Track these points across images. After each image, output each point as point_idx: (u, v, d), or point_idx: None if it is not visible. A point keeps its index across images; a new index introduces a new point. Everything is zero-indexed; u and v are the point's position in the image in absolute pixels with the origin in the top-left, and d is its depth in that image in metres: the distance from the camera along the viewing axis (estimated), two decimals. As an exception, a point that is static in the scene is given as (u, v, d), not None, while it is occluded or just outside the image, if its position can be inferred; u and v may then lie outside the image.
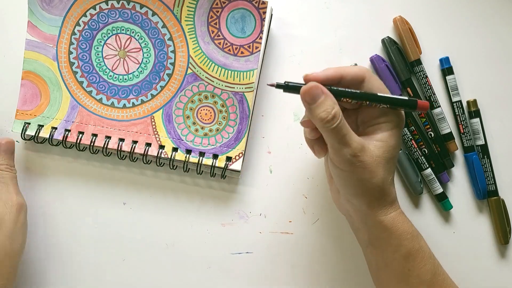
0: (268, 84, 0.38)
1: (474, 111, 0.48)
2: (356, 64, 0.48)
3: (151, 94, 0.46)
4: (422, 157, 0.48)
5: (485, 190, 0.48)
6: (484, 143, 0.48)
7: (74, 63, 0.46)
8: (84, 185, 0.49)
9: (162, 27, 0.46)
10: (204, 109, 0.46)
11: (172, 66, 0.46)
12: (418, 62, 0.48)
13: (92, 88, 0.46)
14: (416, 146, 0.48)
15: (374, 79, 0.39)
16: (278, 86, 0.38)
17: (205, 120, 0.46)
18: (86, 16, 0.46)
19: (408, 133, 0.48)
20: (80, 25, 0.46)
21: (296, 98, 0.48)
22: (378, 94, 0.38)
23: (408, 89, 0.48)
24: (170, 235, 0.49)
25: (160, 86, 0.46)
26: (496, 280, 0.49)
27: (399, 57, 0.48)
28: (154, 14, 0.45)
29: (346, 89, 0.38)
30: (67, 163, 0.49)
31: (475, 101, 0.49)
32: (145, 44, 0.46)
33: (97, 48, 0.46)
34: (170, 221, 0.49)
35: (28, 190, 0.48)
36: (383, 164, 0.38)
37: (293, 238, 0.49)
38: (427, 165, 0.48)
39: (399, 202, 0.49)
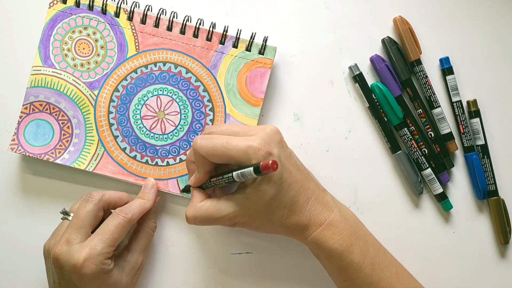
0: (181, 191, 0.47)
1: (474, 111, 0.48)
2: (356, 64, 0.48)
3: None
4: (422, 157, 0.48)
5: (485, 190, 0.48)
6: (484, 143, 0.48)
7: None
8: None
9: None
10: None
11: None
12: (418, 62, 0.48)
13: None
14: (416, 146, 0.48)
15: (210, 154, 0.40)
16: (183, 191, 0.47)
17: None
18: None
19: (408, 133, 0.48)
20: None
21: (296, 98, 0.48)
22: (235, 180, 0.39)
23: (408, 89, 0.48)
24: (170, 235, 0.49)
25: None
26: (496, 280, 0.49)
27: (399, 57, 0.48)
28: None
29: (210, 183, 0.42)
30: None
31: (475, 101, 0.49)
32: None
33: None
34: (170, 222, 0.49)
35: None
36: (262, 214, 0.40)
37: (293, 239, 0.49)
38: (427, 165, 0.48)
39: (400, 202, 0.49)
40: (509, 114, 0.49)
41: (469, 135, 0.49)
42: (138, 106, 0.47)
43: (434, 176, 0.48)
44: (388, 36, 0.48)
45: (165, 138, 0.47)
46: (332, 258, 0.41)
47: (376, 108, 0.48)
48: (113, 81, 0.47)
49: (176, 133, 0.47)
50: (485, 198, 0.49)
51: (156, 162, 0.47)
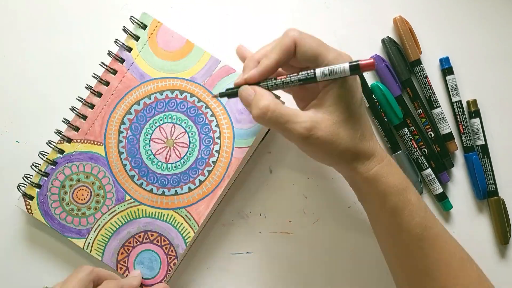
0: (212, 97, 0.43)
1: (474, 111, 0.48)
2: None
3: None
4: (422, 157, 0.48)
5: (485, 190, 0.48)
6: (484, 143, 0.48)
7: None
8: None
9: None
10: None
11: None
12: (418, 62, 0.48)
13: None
14: (416, 146, 0.48)
15: (305, 42, 0.37)
16: (222, 95, 0.41)
17: None
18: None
19: (408, 133, 0.48)
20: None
21: (296, 98, 0.48)
22: (318, 78, 0.36)
23: (408, 89, 0.48)
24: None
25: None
26: (496, 280, 0.49)
27: (399, 57, 0.48)
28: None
29: (287, 82, 0.38)
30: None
31: (475, 101, 0.49)
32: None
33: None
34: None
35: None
36: (343, 127, 0.37)
37: (293, 238, 0.49)
38: (427, 165, 0.48)
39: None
40: (509, 114, 0.49)
41: (469, 135, 0.49)
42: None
43: (434, 176, 0.48)
44: (388, 36, 0.48)
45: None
46: (391, 195, 0.38)
47: (376, 108, 0.48)
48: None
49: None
50: (485, 198, 0.49)
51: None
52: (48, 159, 0.46)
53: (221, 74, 0.46)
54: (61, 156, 0.47)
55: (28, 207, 0.46)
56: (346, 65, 0.35)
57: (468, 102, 0.49)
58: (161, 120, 0.46)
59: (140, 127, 0.46)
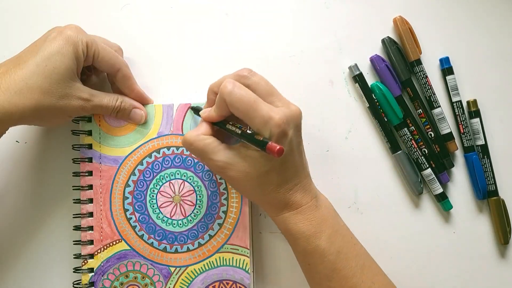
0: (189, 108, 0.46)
1: (474, 111, 0.48)
2: (356, 64, 0.48)
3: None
4: (422, 157, 0.48)
5: (485, 190, 0.48)
6: (484, 143, 0.48)
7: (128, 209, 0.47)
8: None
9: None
10: None
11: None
12: (418, 62, 0.48)
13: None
14: (416, 146, 0.48)
15: (232, 104, 0.39)
16: (193, 110, 0.45)
17: None
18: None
19: (408, 133, 0.48)
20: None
21: (296, 99, 0.48)
22: (238, 131, 0.40)
23: (408, 89, 0.48)
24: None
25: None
26: (496, 280, 0.49)
27: (399, 57, 0.48)
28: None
29: (226, 126, 0.41)
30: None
31: (475, 101, 0.49)
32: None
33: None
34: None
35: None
36: (252, 180, 0.40)
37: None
38: (427, 165, 0.48)
39: (400, 202, 0.49)
40: (509, 114, 0.49)
41: (469, 135, 0.49)
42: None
43: (434, 176, 0.48)
44: (388, 36, 0.48)
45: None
46: (298, 240, 0.41)
47: (376, 108, 0.48)
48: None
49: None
50: (485, 198, 0.49)
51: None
52: (84, 284, 0.46)
53: (181, 114, 0.47)
54: (93, 273, 0.46)
55: None
56: (259, 140, 0.37)
57: (468, 102, 0.49)
58: (156, 185, 0.47)
59: (143, 197, 0.47)
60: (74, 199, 0.47)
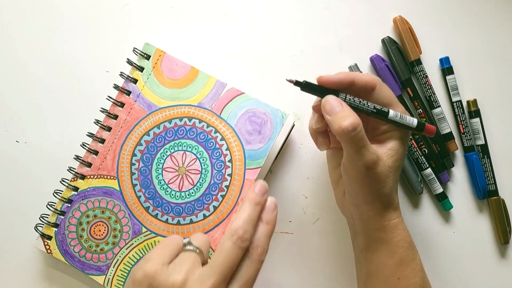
0: (287, 80, 0.39)
1: (474, 111, 0.49)
2: (356, 64, 0.48)
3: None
4: (422, 157, 0.48)
5: (485, 190, 0.48)
6: (484, 143, 0.48)
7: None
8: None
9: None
10: None
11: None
12: (418, 62, 0.48)
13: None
14: (416, 146, 0.48)
15: (384, 89, 0.40)
16: (297, 83, 0.39)
17: None
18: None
19: (408, 133, 0.48)
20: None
21: (296, 99, 0.48)
22: (389, 116, 0.39)
23: (408, 89, 0.48)
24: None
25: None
26: (496, 280, 0.49)
27: (399, 57, 0.48)
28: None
29: (363, 104, 0.39)
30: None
31: (475, 101, 0.49)
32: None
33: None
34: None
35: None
36: (392, 173, 0.39)
37: (293, 238, 0.49)
38: (427, 165, 0.48)
39: (400, 202, 0.49)
40: (509, 114, 0.49)
41: (469, 135, 0.49)
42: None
43: (434, 176, 0.48)
44: (388, 36, 0.48)
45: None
46: (402, 248, 0.39)
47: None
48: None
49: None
50: (485, 198, 0.49)
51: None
52: (63, 198, 0.46)
53: (228, 97, 0.46)
54: (76, 193, 0.46)
55: (47, 247, 0.46)
56: (415, 120, 0.39)
57: (468, 102, 0.49)
58: (171, 148, 0.46)
59: (151, 157, 0.46)
60: (95, 120, 0.47)
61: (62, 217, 0.46)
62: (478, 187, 0.48)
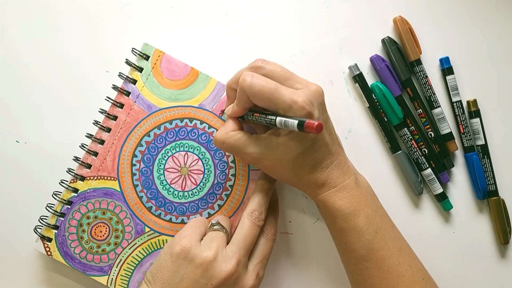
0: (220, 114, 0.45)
1: (474, 111, 0.48)
2: (356, 64, 0.48)
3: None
4: (422, 157, 0.48)
5: (485, 190, 0.48)
6: (484, 143, 0.48)
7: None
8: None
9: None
10: None
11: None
12: (418, 62, 0.48)
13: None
14: (416, 146, 0.48)
15: (254, 93, 0.39)
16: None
17: None
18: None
19: (408, 133, 0.48)
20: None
21: (296, 98, 0.48)
22: (277, 124, 0.39)
23: (408, 89, 0.48)
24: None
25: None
26: (496, 280, 0.49)
27: (399, 57, 0.48)
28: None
29: (252, 117, 0.41)
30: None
31: (475, 101, 0.49)
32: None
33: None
34: (170, 221, 0.49)
35: None
36: (284, 164, 0.41)
37: (293, 238, 0.49)
38: (427, 165, 0.48)
39: (400, 202, 0.49)
40: (509, 114, 0.49)
41: (469, 135, 0.49)
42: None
43: (434, 176, 0.48)
44: (388, 36, 0.48)
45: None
46: (337, 218, 0.41)
47: (376, 108, 0.48)
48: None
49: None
50: (485, 198, 0.49)
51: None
52: (63, 199, 0.46)
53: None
54: (76, 195, 0.46)
55: (47, 249, 0.46)
56: (295, 123, 0.36)
57: (468, 102, 0.49)
58: (173, 149, 0.47)
59: (152, 158, 0.47)
60: (94, 121, 0.47)
61: (62, 218, 0.46)
62: (478, 187, 0.48)
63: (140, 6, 0.49)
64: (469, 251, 0.49)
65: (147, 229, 0.46)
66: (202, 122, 0.46)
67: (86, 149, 0.47)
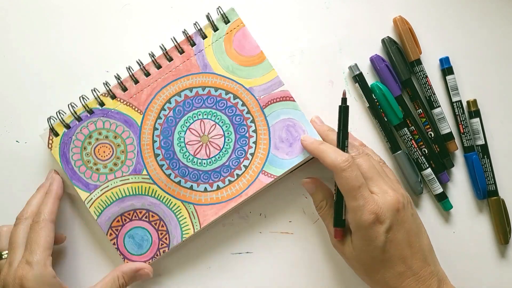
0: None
1: (474, 111, 0.49)
2: (356, 64, 0.48)
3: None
4: (422, 157, 0.48)
5: (485, 190, 0.48)
6: (484, 143, 0.48)
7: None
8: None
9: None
10: None
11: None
12: (418, 62, 0.48)
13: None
14: (416, 146, 0.48)
15: (340, 181, 0.41)
16: (344, 101, 0.44)
17: None
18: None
19: (408, 133, 0.48)
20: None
21: (296, 98, 0.48)
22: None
23: (408, 89, 0.48)
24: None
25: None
26: (496, 280, 0.49)
27: (399, 57, 0.48)
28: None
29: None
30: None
31: (475, 101, 0.49)
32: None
33: (180, 133, 0.46)
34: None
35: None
36: (363, 265, 0.42)
37: (293, 238, 0.49)
38: (427, 165, 0.48)
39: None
40: (509, 114, 0.49)
41: (469, 135, 0.49)
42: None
43: (434, 176, 0.48)
44: (388, 36, 0.48)
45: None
46: None
47: (376, 108, 0.48)
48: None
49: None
50: (485, 198, 0.49)
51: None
52: (87, 105, 0.46)
53: (279, 96, 0.46)
54: (100, 108, 0.46)
55: (50, 141, 0.46)
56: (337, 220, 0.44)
57: (468, 102, 0.49)
58: (205, 114, 0.46)
59: (183, 112, 0.46)
60: (150, 52, 0.46)
61: (77, 122, 0.46)
62: (478, 187, 0.48)
63: (140, 6, 0.49)
64: (469, 251, 0.49)
65: (144, 172, 0.46)
66: (243, 104, 0.46)
67: (131, 73, 0.46)
